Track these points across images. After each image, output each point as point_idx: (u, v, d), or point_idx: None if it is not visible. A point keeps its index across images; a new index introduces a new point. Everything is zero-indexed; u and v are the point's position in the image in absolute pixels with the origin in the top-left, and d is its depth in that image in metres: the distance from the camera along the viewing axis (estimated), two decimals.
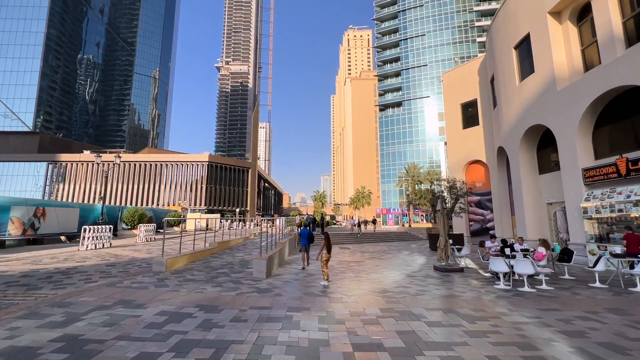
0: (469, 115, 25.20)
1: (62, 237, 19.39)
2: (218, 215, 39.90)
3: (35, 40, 77.24)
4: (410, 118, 69.34)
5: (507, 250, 9.06)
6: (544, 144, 16.75)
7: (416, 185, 55.09)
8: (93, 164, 63.67)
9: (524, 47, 16.79)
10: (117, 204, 61.34)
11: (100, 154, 20.64)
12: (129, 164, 66.68)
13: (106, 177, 20.87)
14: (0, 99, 74.26)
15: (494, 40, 20.08)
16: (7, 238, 15.61)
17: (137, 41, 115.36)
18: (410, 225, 54.13)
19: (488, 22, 63.45)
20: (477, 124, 24.17)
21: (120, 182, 65.76)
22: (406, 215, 62.43)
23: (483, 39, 63.03)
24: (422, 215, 62.19)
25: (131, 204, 62.04)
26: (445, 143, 63.59)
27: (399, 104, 71.72)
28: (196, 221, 29.49)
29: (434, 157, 64.87)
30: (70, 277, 8.71)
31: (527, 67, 16.54)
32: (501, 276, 8.60)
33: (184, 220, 24.72)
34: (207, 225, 31.50)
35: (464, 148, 25.15)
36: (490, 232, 22.83)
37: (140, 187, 66.23)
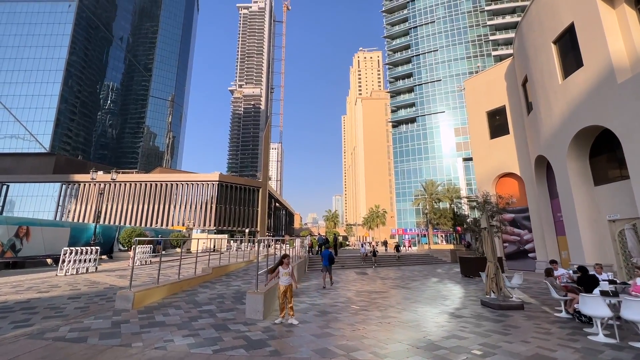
0: (497, 123, 22.82)
1: (49, 260, 17.53)
2: (226, 236, 37.79)
3: (57, 66, 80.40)
4: (425, 134, 67.03)
5: (606, 285, 6.41)
6: (598, 150, 14.16)
7: (434, 204, 51.82)
8: (105, 185, 63.54)
9: (566, 39, 14.63)
10: (127, 224, 60.28)
11: (97, 171, 19.12)
12: (140, 184, 66.18)
13: (102, 194, 19.31)
14: (20, 121, 76.48)
15: (525, 38, 18.02)
16: None
17: (154, 66, 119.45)
18: (430, 247, 50.50)
19: (503, 36, 62.02)
20: (507, 132, 21.72)
21: (130, 202, 65.05)
22: (425, 236, 58.63)
23: (499, 52, 61.36)
24: (442, 236, 58.28)
25: (140, 224, 60.80)
26: (464, 159, 60.89)
27: (412, 120, 69.75)
28: (202, 241, 27.45)
29: (451, 173, 61.82)
30: (5, 317, 6.59)
31: (572, 61, 14.29)
32: (598, 323, 5.98)
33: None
34: (213, 247, 29.38)
35: (492, 160, 22.58)
36: (530, 254, 19.86)
37: (151, 207, 65.27)
